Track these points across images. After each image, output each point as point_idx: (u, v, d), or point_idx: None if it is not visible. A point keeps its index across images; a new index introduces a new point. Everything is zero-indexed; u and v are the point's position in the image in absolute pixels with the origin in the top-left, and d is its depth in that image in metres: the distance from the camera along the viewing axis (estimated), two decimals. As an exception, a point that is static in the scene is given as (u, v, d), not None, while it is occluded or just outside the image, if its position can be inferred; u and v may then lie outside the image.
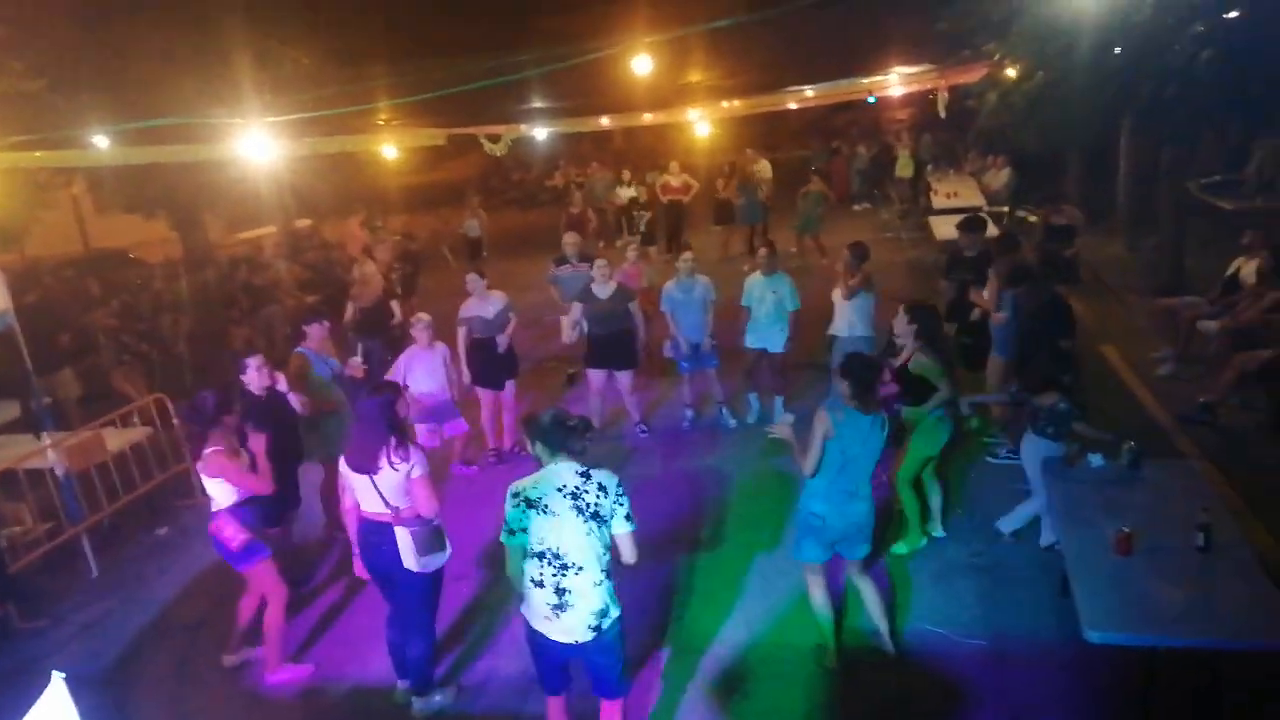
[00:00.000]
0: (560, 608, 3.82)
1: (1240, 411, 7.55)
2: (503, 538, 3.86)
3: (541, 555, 3.81)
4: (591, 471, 3.85)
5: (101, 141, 8.69)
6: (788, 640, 5.29)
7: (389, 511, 4.56)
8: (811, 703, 4.80)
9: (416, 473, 4.52)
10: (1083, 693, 4.67)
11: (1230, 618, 3.97)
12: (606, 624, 3.89)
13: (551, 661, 4.06)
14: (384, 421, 4.53)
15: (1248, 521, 5.67)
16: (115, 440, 7.55)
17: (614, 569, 3.93)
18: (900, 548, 6.06)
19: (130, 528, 7.47)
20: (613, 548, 3.91)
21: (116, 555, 7.14)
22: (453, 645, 5.54)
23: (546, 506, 3.77)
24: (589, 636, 3.86)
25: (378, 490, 4.53)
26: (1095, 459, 5.37)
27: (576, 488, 3.79)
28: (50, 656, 5.83)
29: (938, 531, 6.22)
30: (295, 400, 6.36)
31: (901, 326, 5.93)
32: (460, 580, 6.07)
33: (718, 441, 8.18)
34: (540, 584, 3.83)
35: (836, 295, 7.95)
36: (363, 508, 4.66)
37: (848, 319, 7.89)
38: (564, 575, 3.79)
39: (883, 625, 5.05)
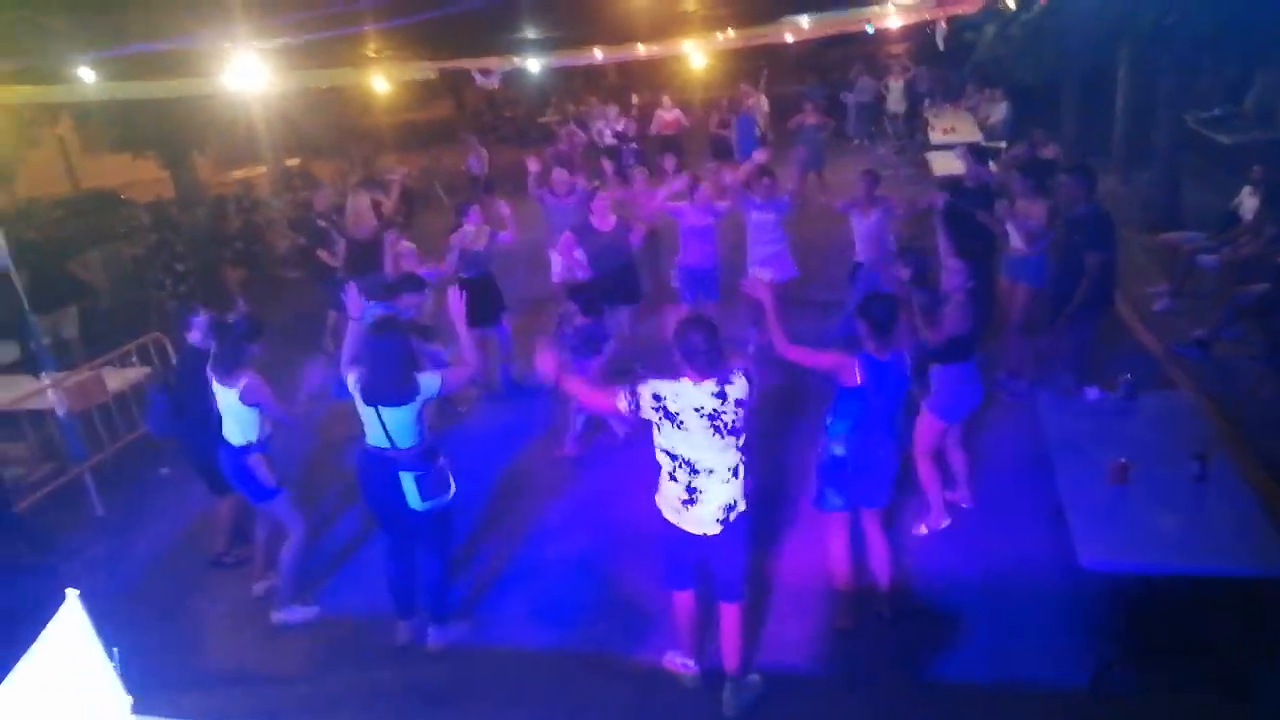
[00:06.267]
0: (691, 502, 4.05)
1: (1236, 345, 7.60)
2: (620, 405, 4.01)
3: (674, 457, 4.02)
4: (726, 389, 3.92)
5: (87, 75, 8.52)
6: (793, 576, 5.40)
7: (393, 449, 4.59)
8: (807, 631, 4.93)
9: (435, 388, 4.59)
10: (1075, 621, 4.77)
11: (1224, 546, 4.05)
12: (734, 515, 4.10)
13: (679, 555, 4.27)
14: (400, 357, 4.54)
15: (1241, 452, 5.74)
16: (115, 380, 7.54)
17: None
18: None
19: (133, 467, 7.49)
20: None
21: (121, 494, 7.18)
22: (457, 579, 5.60)
23: (683, 423, 3.91)
24: (717, 529, 4.08)
25: (384, 426, 4.56)
26: (1091, 391, 5.43)
27: (715, 409, 3.90)
28: (59, 591, 5.90)
29: (965, 503, 5.85)
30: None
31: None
32: (460, 515, 6.13)
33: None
34: (674, 479, 4.06)
35: (855, 220, 7.98)
36: (368, 440, 4.70)
37: (871, 241, 7.93)
38: (695, 477, 4.00)
39: (883, 585, 4.89)
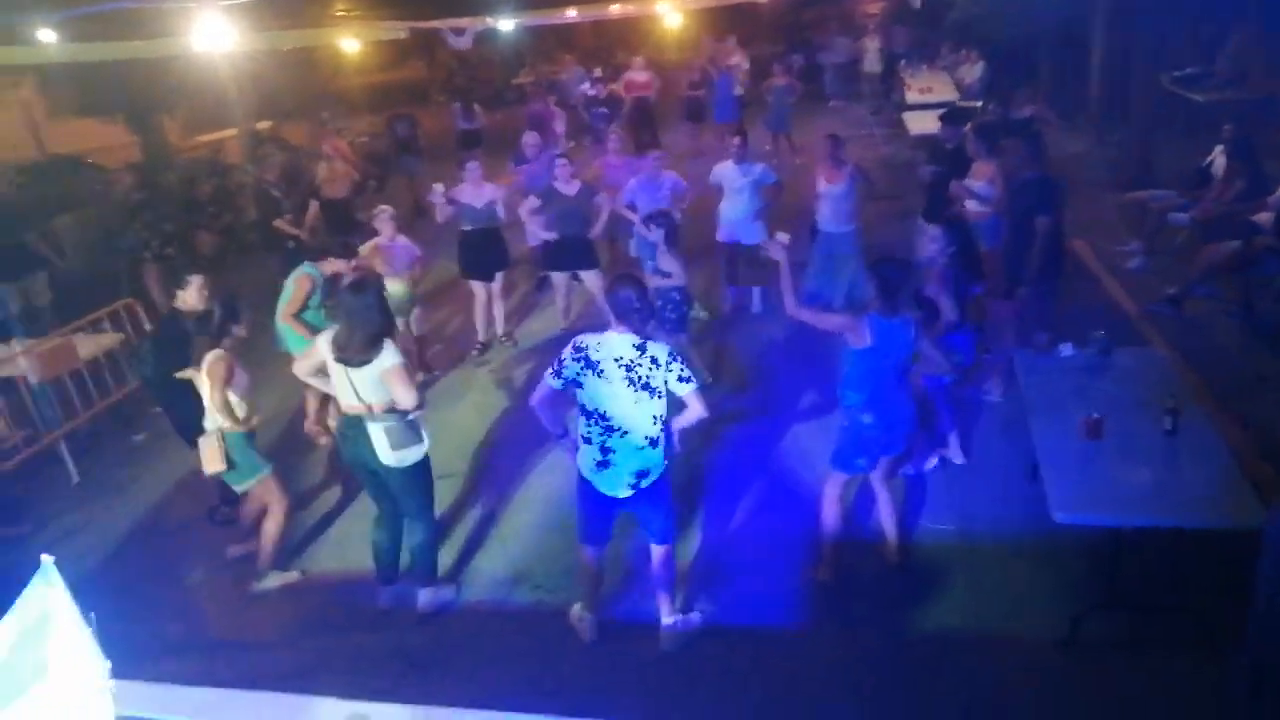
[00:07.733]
0: (604, 464, 4.17)
1: (1207, 303, 7.67)
2: (550, 380, 4.17)
3: (590, 415, 4.14)
4: (647, 344, 4.06)
5: (48, 36, 8.31)
6: (771, 533, 5.44)
7: (362, 405, 4.58)
8: (786, 586, 4.99)
9: (390, 362, 4.50)
10: (1049, 575, 4.84)
11: (1195, 499, 4.11)
12: (645, 483, 4.22)
13: (593, 512, 4.39)
14: (375, 313, 4.51)
15: (1212, 407, 5.82)
16: (86, 347, 7.45)
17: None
18: None
19: (107, 435, 7.44)
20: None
21: (95, 462, 7.12)
22: (441, 542, 5.60)
23: (603, 371, 4.03)
24: (628, 493, 4.21)
25: (352, 385, 4.54)
26: (1065, 348, 5.47)
27: (631, 360, 4.02)
28: (34, 559, 5.85)
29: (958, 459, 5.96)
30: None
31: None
32: (441, 479, 6.12)
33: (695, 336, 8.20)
34: (589, 440, 4.18)
35: (821, 185, 7.92)
36: (342, 405, 4.69)
37: (833, 210, 7.87)
38: (609, 436, 4.11)
39: (891, 533, 5.04)
